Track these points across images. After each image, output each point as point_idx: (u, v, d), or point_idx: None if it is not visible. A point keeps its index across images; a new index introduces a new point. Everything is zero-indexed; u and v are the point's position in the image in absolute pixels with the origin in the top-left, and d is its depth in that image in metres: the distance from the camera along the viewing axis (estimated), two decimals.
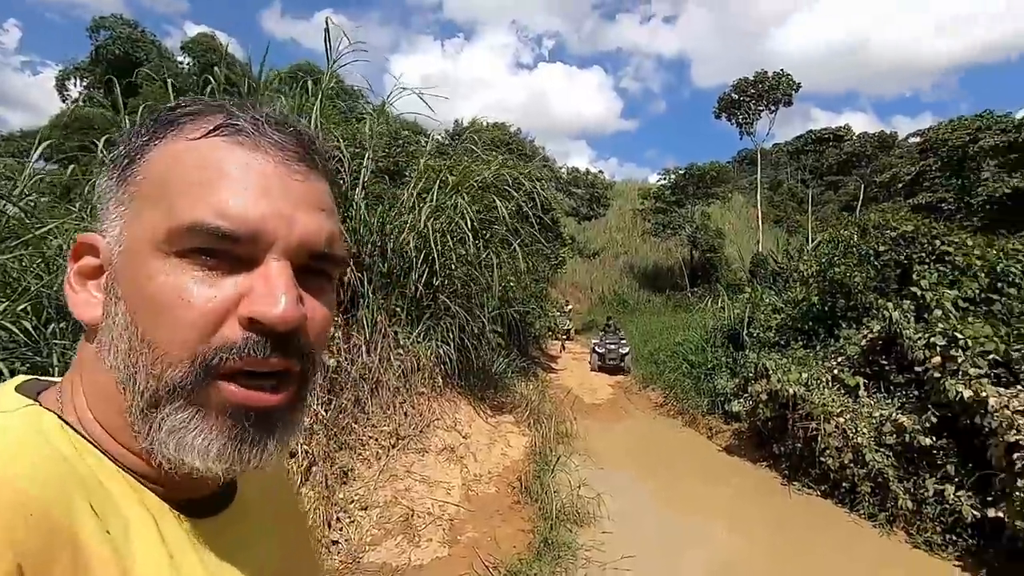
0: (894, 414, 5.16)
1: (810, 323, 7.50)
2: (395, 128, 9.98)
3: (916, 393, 5.26)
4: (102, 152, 3.55)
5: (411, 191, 6.02)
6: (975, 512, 4.31)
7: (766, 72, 25.36)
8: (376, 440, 4.72)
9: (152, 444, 0.40)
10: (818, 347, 6.96)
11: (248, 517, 0.51)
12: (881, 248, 6.62)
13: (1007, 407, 4.23)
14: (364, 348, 5.02)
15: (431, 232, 5.52)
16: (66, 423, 0.41)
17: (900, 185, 23.76)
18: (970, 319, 5.23)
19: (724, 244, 26.35)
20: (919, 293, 5.82)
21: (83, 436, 0.41)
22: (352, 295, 5.17)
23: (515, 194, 6.56)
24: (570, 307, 20.18)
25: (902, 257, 6.48)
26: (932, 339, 5.03)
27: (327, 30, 5.14)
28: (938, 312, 5.46)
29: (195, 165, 0.40)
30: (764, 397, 6.38)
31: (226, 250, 0.39)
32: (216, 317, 0.39)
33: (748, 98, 25.71)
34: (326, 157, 0.46)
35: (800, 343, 7.39)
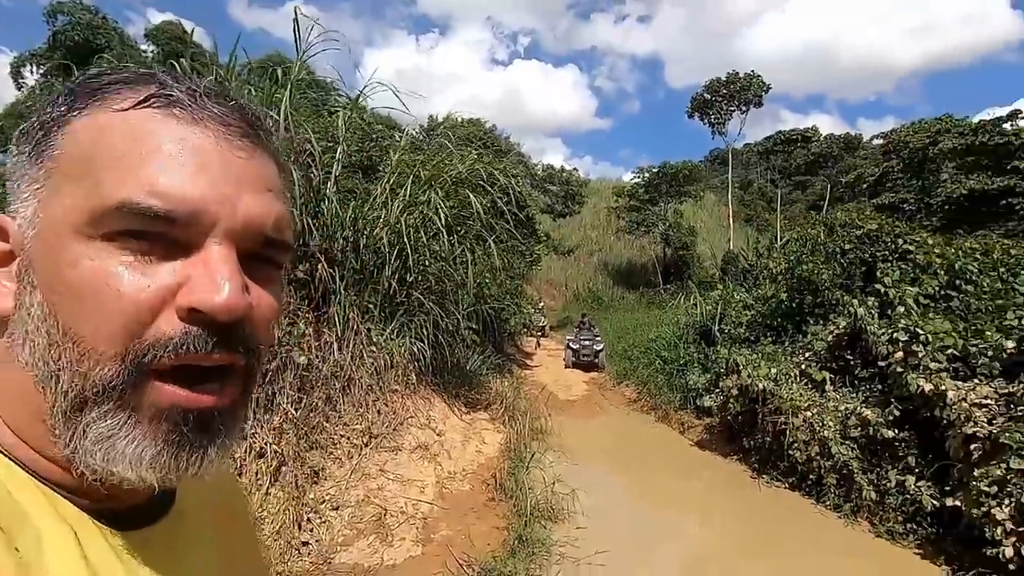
0: (859, 408, 5.31)
1: (779, 319, 7.66)
2: (369, 122, 9.84)
3: (879, 387, 5.42)
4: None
5: (384, 186, 5.92)
6: (934, 501, 4.46)
7: (737, 73, 25.84)
8: (348, 439, 4.64)
9: (75, 452, 0.35)
10: (787, 343, 7.11)
11: (185, 527, 0.46)
12: (847, 246, 6.79)
13: (964, 400, 4.39)
14: (336, 345, 4.93)
15: (404, 227, 5.45)
16: None
17: (864, 185, 24.49)
18: (930, 315, 5.40)
19: (696, 242, 26.77)
20: (883, 290, 5.99)
21: None
22: (324, 292, 5.07)
23: (489, 189, 6.52)
24: (542, 304, 20.23)
25: (867, 255, 6.65)
26: (895, 335, 5.18)
27: (296, 20, 5.01)
28: (901, 309, 5.63)
29: (124, 138, 0.35)
30: (735, 392, 6.49)
31: (160, 233, 0.35)
32: (150, 308, 0.34)
33: (720, 98, 26.16)
34: (272, 135, 0.42)
35: (769, 339, 7.54)
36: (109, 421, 0.35)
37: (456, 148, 6.96)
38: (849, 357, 5.87)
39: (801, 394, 5.82)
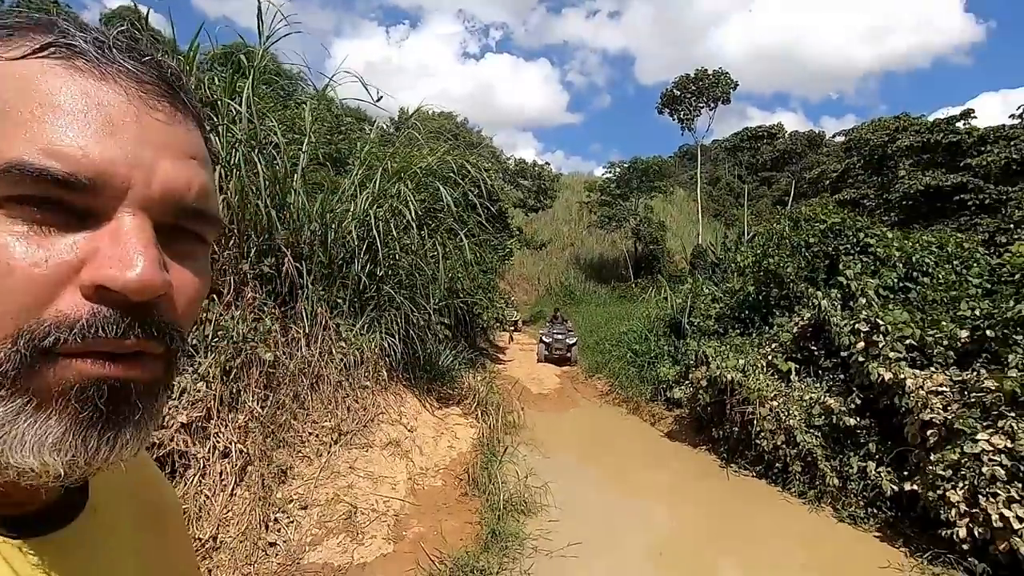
0: (822, 397, 5.46)
1: (746, 312, 7.82)
2: (337, 114, 9.63)
3: (842, 376, 5.58)
4: None
5: (353, 178, 5.81)
6: (893, 486, 4.61)
7: (706, 70, 26.23)
8: (317, 436, 4.55)
9: None
10: (754, 334, 7.26)
11: (99, 530, 0.41)
12: (811, 240, 6.96)
13: (922, 388, 4.55)
14: (304, 341, 4.82)
15: (374, 220, 5.35)
16: None
17: (827, 182, 25.19)
18: (890, 306, 5.58)
19: (666, 237, 27.14)
20: (845, 282, 6.16)
21: None
22: (291, 286, 4.94)
23: (460, 182, 6.46)
24: (512, 299, 20.29)
25: (830, 248, 6.83)
26: (857, 325, 5.33)
27: (259, 4, 4.85)
28: (862, 300, 5.80)
29: (14, 91, 0.30)
30: (704, 383, 6.60)
31: (61, 201, 0.30)
32: (48, 285, 0.30)
33: (689, 94, 26.52)
34: (196, 98, 0.37)
35: (737, 331, 7.70)
36: (3, 408, 0.30)
37: (426, 140, 6.87)
38: (813, 348, 6.02)
39: (768, 384, 5.95)
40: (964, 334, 4.85)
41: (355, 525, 3.91)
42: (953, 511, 3.91)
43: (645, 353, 9.78)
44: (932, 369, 4.78)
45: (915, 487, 4.35)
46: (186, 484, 3.50)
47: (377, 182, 5.60)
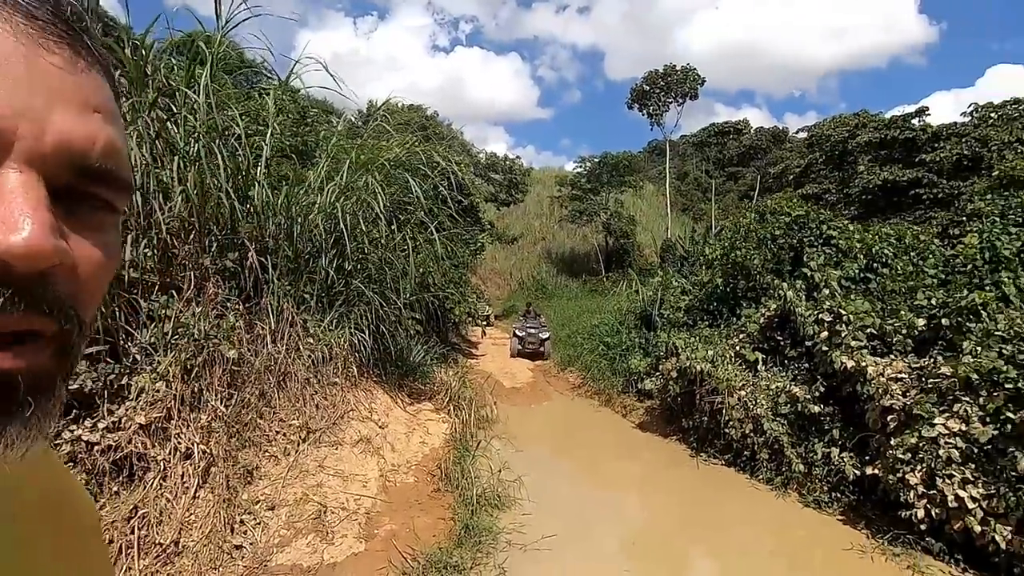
0: (788, 386, 5.58)
1: (715, 303, 7.95)
2: (304, 106, 9.39)
3: (807, 365, 5.72)
4: None
5: (320, 171, 5.66)
6: (856, 471, 4.76)
7: (674, 66, 26.55)
8: (284, 435, 4.43)
9: None
10: (722, 326, 7.39)
11: None
12: (777, 232, 7.11)
13: (882, 375, 4.69)
14: (270, 338, 4.69)
15: (341, 213, 5.22)
16: None
17: (791, 176, 25.81)
18: (852, 296, 5.74)
19: (636, 231, 27.42)
20: (809, 273, 6.32)
21: None
22: (255, 281, 4.79)
23: (430, 173, 6.37)
24: (485, 294, 20.26)
25: (795, 240, 6.99)
26: (820, 315, 5.47)
27: None
28: (826, 291, 5.95)
29: None
30: (674, 374, 6.69)
31: None
32: None
33: (658, 90, 26.81)
34: (102, 44, 0.32)
35: (706, 322, 7.82)
36: None
37: (396, 132, 6.75)
38: (779, 338, 6.16)
39: (736, 374, 6.07)
40: (921, 322, 5.03)
41: (325, 525, 3.83)
42: (912, 493, 4.05)
43: (616, 346, 9.87)
44: (892, 357, 4.94)
45: (876, 471, 4.50)
46: (145, 487, 3.37)
47: (344, 174, 5.47)
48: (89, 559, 0.47)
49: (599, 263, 26.36)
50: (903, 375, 4.64)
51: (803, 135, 27.76)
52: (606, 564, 4.00)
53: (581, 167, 26.64)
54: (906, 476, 4.11)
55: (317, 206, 5.32)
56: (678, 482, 5.80)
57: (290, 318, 4.88)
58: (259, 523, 3.72)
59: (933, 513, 3.94)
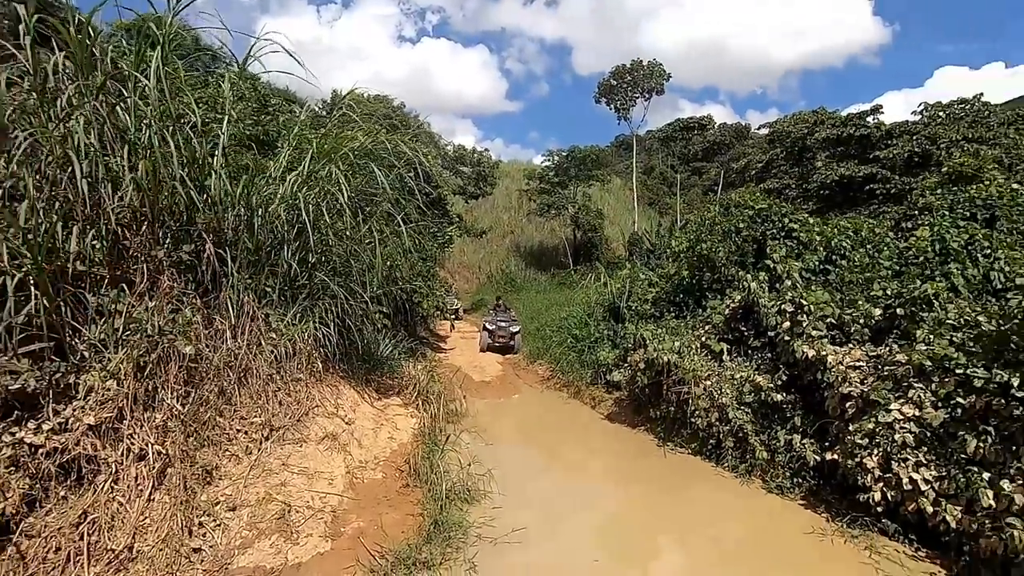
0: (752, 375, 5.71)
1: (681, 295, 8.08)
2: (264, 93, 9.07)
3: (770, 355, 5.86)
4: None
5: (281, 160, 5.48)
6: (816, 456, 4.90)
7: (641, 61, 26.79)
8: (246, 433, 4.29)
9: None
10: (688, 317, 7.51)
11: None
12: (741, 225, 7.25)
13: (841, 363, 4.84)
14: (229, 333, 4.52)
15: (304, 203, 5.06)
16: None
17: (753, 172, 26.44)
18: (812, 287, 5.90)
19: (604, 224, 27.68)
20: (772, 265, 6.46)
21: None
22: (213, 274, 4.61)
23: (396, 163, 6.24)
24: (453, 287, 20.18)
25: (758, 233, 7.14)
26: (783, 306, 5.60)
27: None
28: (788, 282, 6.10)
29: None
30: (642, 366, 6.77)
31: None
32: None
33: (625, 84, 27.01)
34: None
35: (673, 314, 7.94)
36: None
37: (361, 121, 6.58)
38: (743, 328, 6.29)
39: (702, 365, 6.17)
40: (877, 312, 5.20)
41: (289, 524, 3.72)
42: (869, 476, 4.20)
43: (585, 338, 9.93)
44: (850, 345, 5.10)
45: (835, 456, 4.64)
46: (96, 491, 3.21)
47: (307, 163, 5.30)
48: None
49: (567, 256, 26.51)
50: (861, 363, 4.79)
51: (765, 131, 28.42)
52: (576, 555, 4.01)
53: (549, 161, 26.67)
54: (863, 460, 4.25)
55: (279, 196, 5.14)
56: (646, 471, 5.87)
57: (251, 312, 4.72)
58: (219, 525, 3.59)
59: (889, 496, 4.08)
